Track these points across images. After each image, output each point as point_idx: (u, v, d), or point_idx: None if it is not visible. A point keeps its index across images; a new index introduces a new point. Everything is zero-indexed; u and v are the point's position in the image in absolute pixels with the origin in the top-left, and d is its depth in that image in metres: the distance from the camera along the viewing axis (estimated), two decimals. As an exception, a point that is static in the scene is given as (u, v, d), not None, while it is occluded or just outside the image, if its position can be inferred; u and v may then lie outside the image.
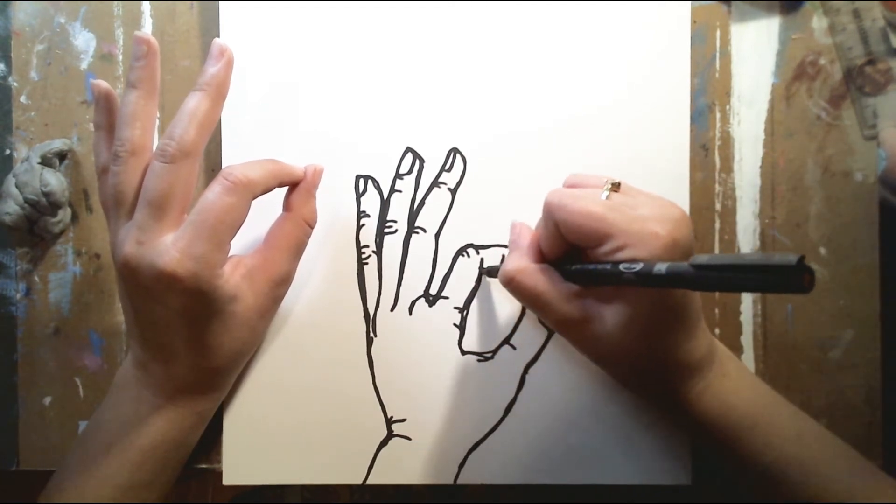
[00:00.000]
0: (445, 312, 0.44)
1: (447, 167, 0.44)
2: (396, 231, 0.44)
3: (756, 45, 0.44)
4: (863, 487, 0.36)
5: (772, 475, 0.37)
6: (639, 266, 0.32)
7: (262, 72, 0.44)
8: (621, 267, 0.33)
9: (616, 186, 0.37)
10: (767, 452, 0.37)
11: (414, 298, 0.44)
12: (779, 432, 0.37)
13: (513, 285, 0.38)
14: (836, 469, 0.37)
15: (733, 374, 0.39)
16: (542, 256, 0.39)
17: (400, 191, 0.44)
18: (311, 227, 0.41)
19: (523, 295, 0.38)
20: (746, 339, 0.44)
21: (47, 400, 0.45)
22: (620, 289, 0.35)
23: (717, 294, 0.44)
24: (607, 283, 0.35)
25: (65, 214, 0.45)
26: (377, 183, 0.44)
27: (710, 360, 0.38)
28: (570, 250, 0.38)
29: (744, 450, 0.37)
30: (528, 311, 0.43)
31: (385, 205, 0.44)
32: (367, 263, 0.44)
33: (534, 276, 0.37)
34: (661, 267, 0.32)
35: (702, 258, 0.30)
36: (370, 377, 0.44)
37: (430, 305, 0.44)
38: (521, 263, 0.38)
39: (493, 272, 0.43)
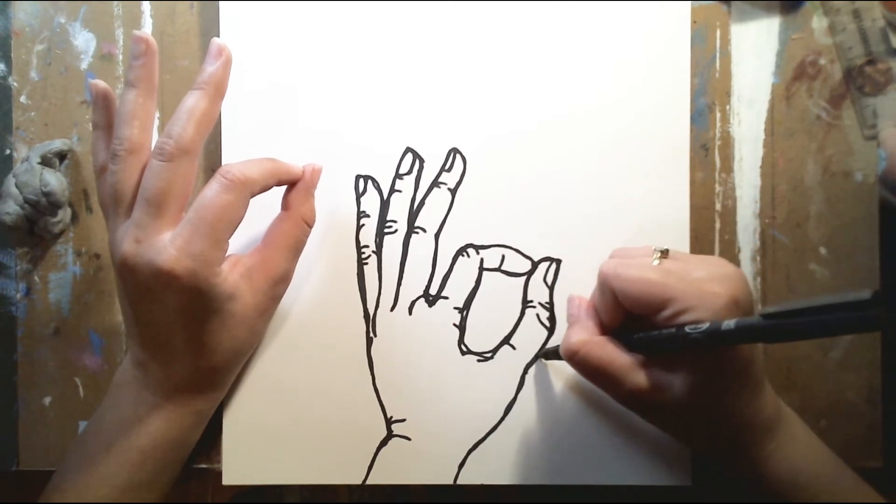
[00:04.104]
0: (445, 312, 0.44)
1: (447, 167, 0.44)
2: (396, 231, 0.44)
3: (756, 45, 0.44)
4: None
5: None
6: (705, 325, 0.32)
7: (262, 71, 0.44)
8: (687, 329, 0.33)
9: (665, 253, 0.37)
10: None
11: (414, 298, 0.44)
12: (841, 499, 0.37)
13: (577, 359, 0.37)
14: None
15: (801, 437, 0.38)
16: (604, 328, 0.38)
17: (400, 191, 0.44)
18: (310, 227, 0.41)
19: (589, 369, 0.37)
20: (746, 340, 0.44)
21: (47, 400, 0.45)
22: (685, 353, 0.35)
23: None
24: (674, 349, 0.34)
25: (65, 214, 0.45)
26: (377, 183, 0.44)
27: (779, 421, 0.37)
28: (629, 320, 0.37)
29: None
30: (527, 311, 0.43)
31: (385, 205, 0.44)
32: (366, 263, 0.44)
33: (599, 348, 0.37)
34: (729, 323, 0.31)
35: (771, 308, 0.29)
36: (370, 377, 0.44)
37: (430, 305, 0.44)
38: (585, 336, 0.37)
39: (550, 354, 0.42)
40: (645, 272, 0.35)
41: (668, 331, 0.34)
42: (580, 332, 0.38)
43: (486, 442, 0.43)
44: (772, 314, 0.29)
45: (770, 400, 0.37)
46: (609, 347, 0.37)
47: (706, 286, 0.34)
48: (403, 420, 0.43)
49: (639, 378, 0.36)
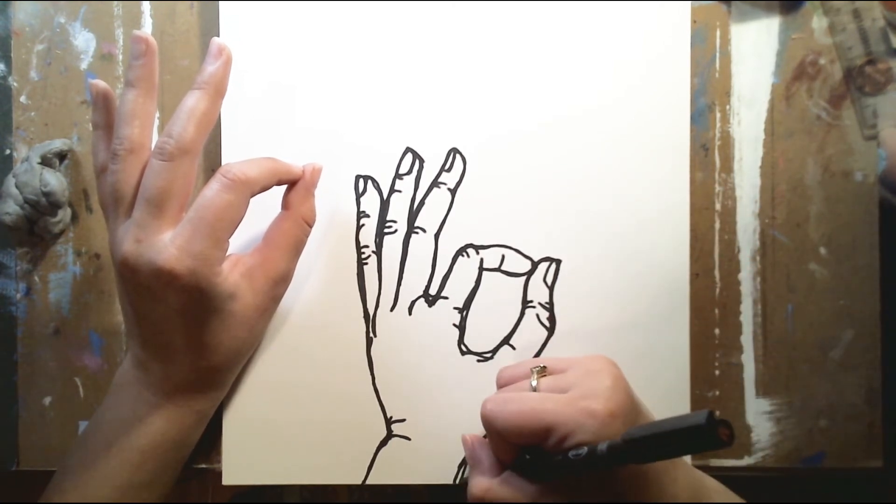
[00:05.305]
0: (445, 312, 0.44)
1: (447, 167, 0.44)
2: (396, 231, 0.44)
3: (756, 45, 0.44)
4: None
5: None
6: (584, 451, 0.33)
7: (262, 71, 0.44)
8: (570, 455, 0.33)
9: (542, 370, 0.37)
10: None
11: (413, 298, 0.44)
12: None
13: None
14: None
15: None
16: (502, 465, 0.38)
17: (400, 191, 0.44)
18: (310, 226, 0.41)
19: None
20: (746, 339, 0.44)
21: (47, 400, 0.45)
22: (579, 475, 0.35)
23: (717, 293, 0.44)
24: (567, 473, 0.34)
25: (65, 214, 0.45)
26: (377, 183, 0.44)
27: (698, 497, 0.37)
28: (525, 449, 0.37)
29: None
30: (527, 311, 0.43)
31: (385, 205, 0.44)
32: (366, 263, 0.44)
33: (502, 489, 0.37)
34: (602, 447, 0.32)
35: (633, 431, 0.31)
36: (370, 377, 0.44)
37: (430, 305, 0.44)
38: (485, 483, 0.37)
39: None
40: (522, 404, 0.35)
41: (556, 458, 0.34)
42: (480, 480, 0.38)
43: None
44: (632, 439, 0.31)
45: (682, 485, 0.36)
46: (510, 486, 0.37)
47: (582, 404, 0.34)
48: (403, 420, 0.43)
49: None
